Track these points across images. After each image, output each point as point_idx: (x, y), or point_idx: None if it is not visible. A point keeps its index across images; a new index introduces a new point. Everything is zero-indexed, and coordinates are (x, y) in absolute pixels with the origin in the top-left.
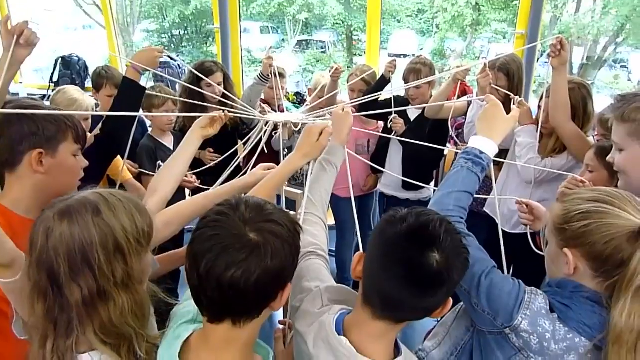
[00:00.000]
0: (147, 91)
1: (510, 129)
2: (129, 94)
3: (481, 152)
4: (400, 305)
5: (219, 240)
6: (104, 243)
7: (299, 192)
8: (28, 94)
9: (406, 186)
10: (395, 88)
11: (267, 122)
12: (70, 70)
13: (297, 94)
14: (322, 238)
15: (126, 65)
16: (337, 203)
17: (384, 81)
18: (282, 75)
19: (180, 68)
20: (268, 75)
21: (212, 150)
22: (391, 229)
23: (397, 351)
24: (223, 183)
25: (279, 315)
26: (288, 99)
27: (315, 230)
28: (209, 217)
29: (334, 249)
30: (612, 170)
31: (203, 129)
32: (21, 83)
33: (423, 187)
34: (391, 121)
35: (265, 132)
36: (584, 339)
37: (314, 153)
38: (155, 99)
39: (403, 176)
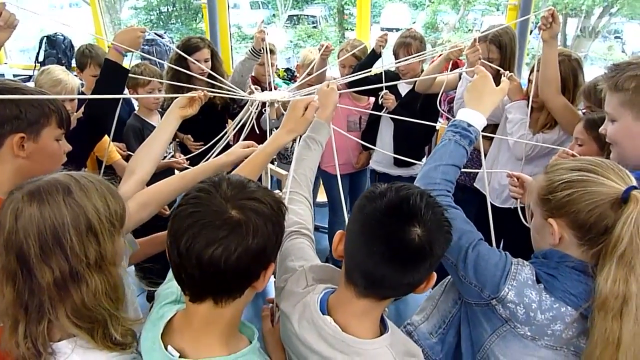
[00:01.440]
0: (132, 70)
1: (499, 101)
2: (112, 76)
3: (469, 125)
4: (382, 282)
5: (199, 217)
6: (76, 223)
7: (284, 172)
8: (14, 75)
9: (398, 163)
10: (387, 64)
11: (253, 102)
12: (55, 49)
13: (287, 70)
14: (306, 217)
15: (107, 47)
16: (329, 180)
17: (374, 56)
18: (272, 52)
19: (168, 46)
20: (260, 50)
21: (191, 138)
22: (370, 205)
23: (383, 327)
24: None
25: (271, 294)
26: (278, 75)
27: (300, 209)
28: (190, 194)
29: (326, 225)
30: (601, 143)
31: (182, 109)
32: (6, 64)
33: (415, 164)
34: (382, 97)
35: (252, 112)
36: (570, 308)
37: (300, 128)
38: (140, 78)
39: (394, 152)
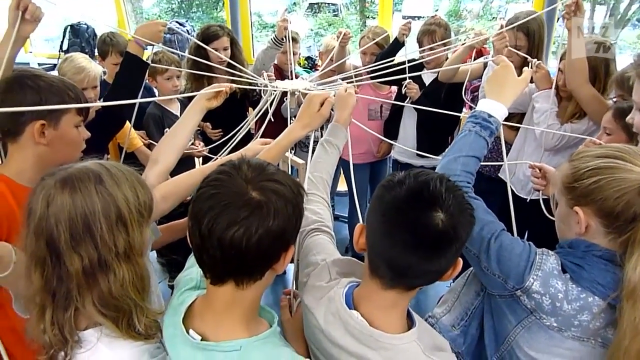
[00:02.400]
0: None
1: (521, 92)
2: (131, 68)
3: (490, 116)
4: (409, 272)
5: (220, 198)
6: (107, 212)
7: (301, 161)
8: (38, 64)
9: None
10: (410, 52)
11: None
12: (79, 38)
13: (308, 58)
14: (325, 215)
15: (128, 40)
16: (349, 169)
17: (397, 44)
18: (295, 40)
19: (189, 34)
20: (282, 39)
21: (210, 126)
22: (390, 194)
23: (410, 321)
24: (231, 151)
25: (289, 284)
26: (299, 64)
27: (319, 208)
28: (210, 177)
29: (346, 215)
30: (630, 133)
31: (207, 101)
32: (31, 52)
33: (438, 155)
34: (405, 87)
35: (272, 101)
36: (598, 298)
37: (315, 123)
38: (158, 66)
39: (417, 142)
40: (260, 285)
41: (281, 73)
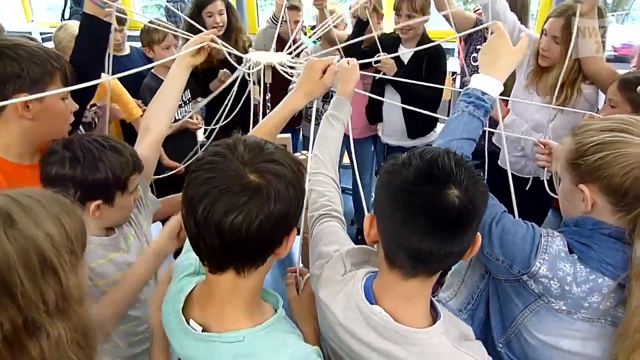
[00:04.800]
0: (145, 27)
1: (517, 63)
2: (91, 31)
3: (483, 93)
4: (431, 257)
5: (216, 183)
6: (26, 261)
7: (287, 135)
8: (40, 33)
9: (411, 134)
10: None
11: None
12: (81, 6)
13: (313, 27)
14: (335, 199)
15: None
16: (348, 143)
17: (361, 24)
18: (297, 8)
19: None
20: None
21: (196, 122)
22: (397, 178)
23: (434, 311)
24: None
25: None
26: (304, 33)
27: (327, 190)
28: (204, 159)
29: (349, 187)
30: (636, 105)
31: (192, 57)
32: (32, 21)
33: (429, 132)
34: (377, 62)
35: (251, 74)
36: (607, 279)
37: (317, 92)
38: (155, 34)
39: (406, 123)
40: (262, 271)
41: (284, 44)
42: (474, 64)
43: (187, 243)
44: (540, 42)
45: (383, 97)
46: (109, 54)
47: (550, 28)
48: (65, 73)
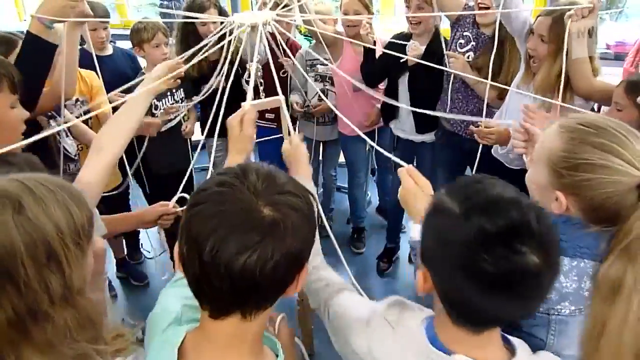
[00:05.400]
0: (134, 26)
1: (424, 201)
2: (34, 53)
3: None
4: (509, 317)
5: (225, 217)
6: (32, 251)
7: None
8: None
9: (420, 130)
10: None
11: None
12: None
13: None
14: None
15: (30, 17)
16: (346, 142)
17: (369, 51)
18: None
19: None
20: None
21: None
22: (454, 234)
23: (508, 345)
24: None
25: None
26: (299, 31)
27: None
28: (209, 189)
29: (346, 186)
30: None
31: (161, 84)
32: (25, 20)
33: (436, 128)
34: (409, 49)
35: (233, 40)
36: (587, 261)
37: (245, 145)
38: (144, 34)
39: (414, 118)
40: (268, 313)
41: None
42: (460, 50)
43: (160, 297)
44: (527, 40)
45: (396, 96)
46: (92, 53)
47: (537, 27)
48: (13, 79)
